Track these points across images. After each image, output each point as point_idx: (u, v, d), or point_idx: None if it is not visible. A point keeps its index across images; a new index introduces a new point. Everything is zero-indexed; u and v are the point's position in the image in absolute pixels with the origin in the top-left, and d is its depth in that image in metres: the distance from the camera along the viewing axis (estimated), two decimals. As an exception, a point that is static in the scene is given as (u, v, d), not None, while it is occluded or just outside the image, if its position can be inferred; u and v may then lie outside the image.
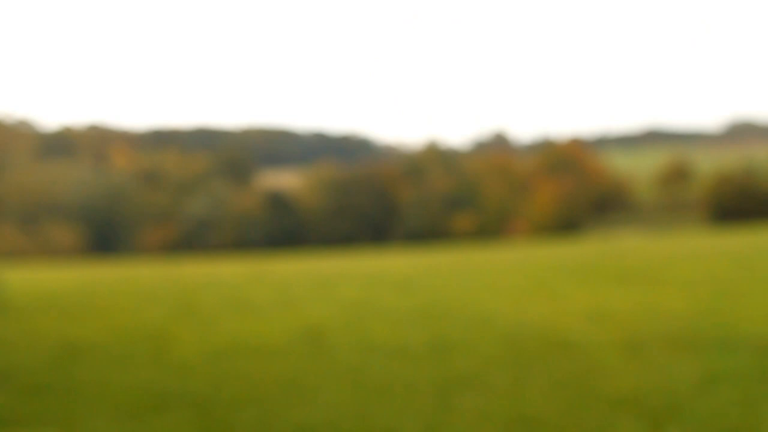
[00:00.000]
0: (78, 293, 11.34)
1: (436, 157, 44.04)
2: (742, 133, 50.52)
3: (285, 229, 37.35)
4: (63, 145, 45.52)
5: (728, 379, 4.89)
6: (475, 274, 12.65)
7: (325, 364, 5.85)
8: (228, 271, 15.64)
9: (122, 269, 17.55)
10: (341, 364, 5.85)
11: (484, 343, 6.41)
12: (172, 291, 11.33)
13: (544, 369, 5.41)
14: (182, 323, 7.99)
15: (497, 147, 47.72)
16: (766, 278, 10.23)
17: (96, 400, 4.92)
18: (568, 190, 39.67)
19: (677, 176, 40.39)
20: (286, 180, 45.19)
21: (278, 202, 40.15)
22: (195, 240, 36.63)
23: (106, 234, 37.94)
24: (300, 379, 5.32)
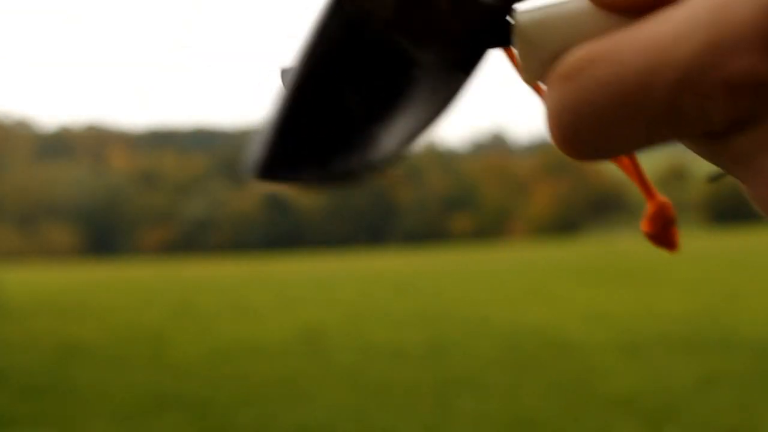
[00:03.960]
0: (76, 294, 11.34)
1: (434, 158, 44.09)
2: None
3: (283, 230, 37.35)
4: (61, 145, 45.53)
5: (727, 380, 4.89)
6: (473, 276, 12.65)
7: (323, 365, 5.85)
8: (226, 272, 15.65)
9: (120, 270, 17.55)
10: (339, 365, 5.85)
11: (482, 345, 6.41)
12: (170, 292, 11.33)
13: (542, 370, 5.41)
14: (180, 324, 7.99)
15: (495, 148, 47.78)
16: (765, 279, 10.23)
17: (94, 401, 4.91)
18: (567, 191, 39.70)
19: (675, 177, 40.47)
20: (284, 181, 45.08)
21: (276, 203, 40.16)
22: (193, 241, 36.62)
23: (104, 234, 37.92)
24: (298, 380, 5.33)
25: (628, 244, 21.30)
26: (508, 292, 9.92)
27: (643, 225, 0.33)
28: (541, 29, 0.25)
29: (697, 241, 20.43)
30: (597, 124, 0.23)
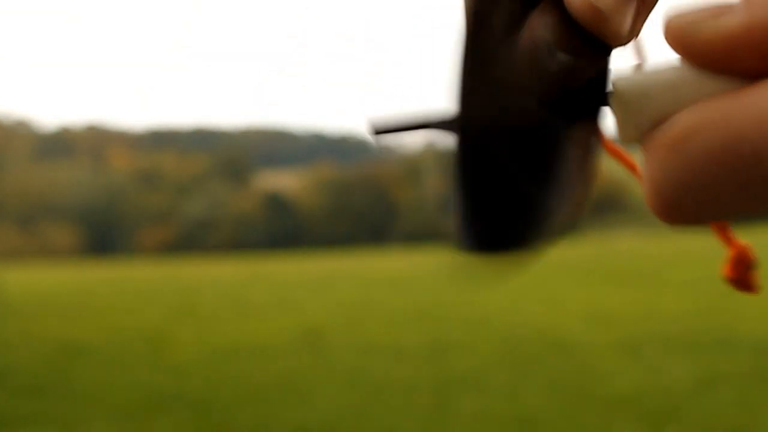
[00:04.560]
0: (76, 294, 11.34)
1: (434, 158, 44.01)
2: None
3: (284, 230, 37.35)
4: (61, 145, 45.53)
5: (727, 380, 4.89)
6: (473, 275, 12.66)
7: (323, 364, 5.85)
8: (227, 271, 15.65)
9: (120, 270, 17.55)
10: (340, 364, 5.85)
11: (482, 344, 6.41)
12: (171, 292, 11.33)
13: (542, 370, 5.41)
14: (181, 324, 7.99)
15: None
16: (765, 279, 10.23)
17: (94, 400, 4.91)
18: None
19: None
20: (284, 181, 45.20)
21: (277, 203, 40.16)
22: (193, 241, 36.60)
23: (104, 234, 37.92)
24: (298, 380, 5.33)
25: (628, 244, 21.31)
26: (508, 292, 9.92)
27: (724, 270, 0.33)
28: (640, 94, 0.25)
29: (698, 241, 20.43)
30: (702, 195, 0.23)
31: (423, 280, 12.17)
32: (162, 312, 8.93)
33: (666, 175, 0.23)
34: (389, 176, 41.50)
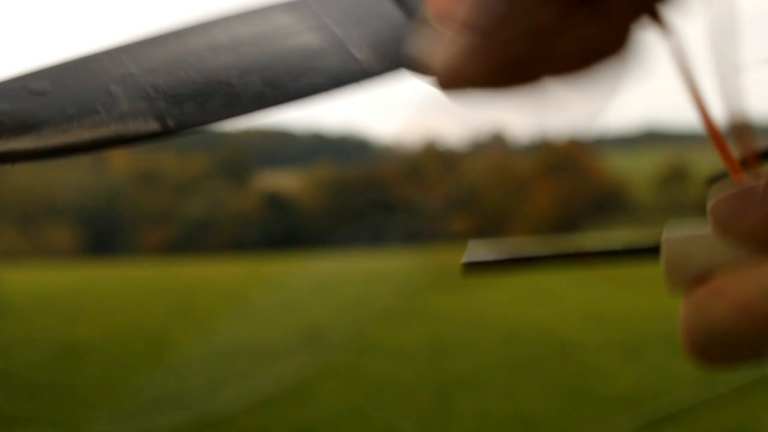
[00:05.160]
0: (76, 294, 11.34)
1: (434, 157, 44.01)
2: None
3: (283, 230, 37.29)
4: (61, 145, 45.46)
5: (727, 380, 4.89)
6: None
7: (323, 364, 5.85)
8: (226, 271, 15.65)
9: (120, 270, 17.55)
10: (339, 364, 5.85)
11: (482, 344, 6.41)
12: (171, 292, 11.33)
13: (542, 370, 5.41)
14: (181, 324, 7.99)
15: (496, 148, 47.72)
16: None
17: (94, 401, 4.91)
18: (567, 190, 39.67)
19: (676, 177, 40.33)
20: (284, 181, 45.16)
21: (277, 203, 40.11)
22: (193, 241, 36.57)
23: (104, 235, 37.87)
24: (298, 380, 5.32)
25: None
26: (508, 292, 9.92)
27: None
28: (686, 251, 0.32)
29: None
30: (724, 344, 0.29)
31: (423, 280, 12.17)
32: (162, 312, 8.93)
33: (697, 325, 0.30)
34: (389, 176, 41.41)
